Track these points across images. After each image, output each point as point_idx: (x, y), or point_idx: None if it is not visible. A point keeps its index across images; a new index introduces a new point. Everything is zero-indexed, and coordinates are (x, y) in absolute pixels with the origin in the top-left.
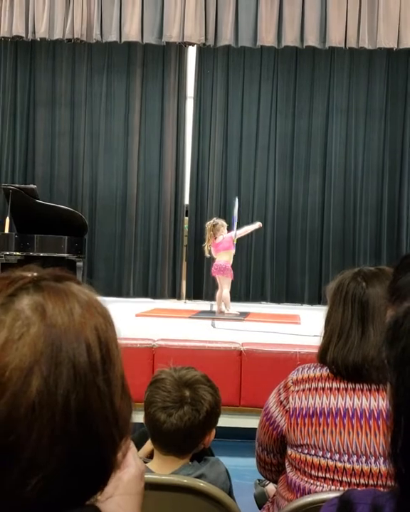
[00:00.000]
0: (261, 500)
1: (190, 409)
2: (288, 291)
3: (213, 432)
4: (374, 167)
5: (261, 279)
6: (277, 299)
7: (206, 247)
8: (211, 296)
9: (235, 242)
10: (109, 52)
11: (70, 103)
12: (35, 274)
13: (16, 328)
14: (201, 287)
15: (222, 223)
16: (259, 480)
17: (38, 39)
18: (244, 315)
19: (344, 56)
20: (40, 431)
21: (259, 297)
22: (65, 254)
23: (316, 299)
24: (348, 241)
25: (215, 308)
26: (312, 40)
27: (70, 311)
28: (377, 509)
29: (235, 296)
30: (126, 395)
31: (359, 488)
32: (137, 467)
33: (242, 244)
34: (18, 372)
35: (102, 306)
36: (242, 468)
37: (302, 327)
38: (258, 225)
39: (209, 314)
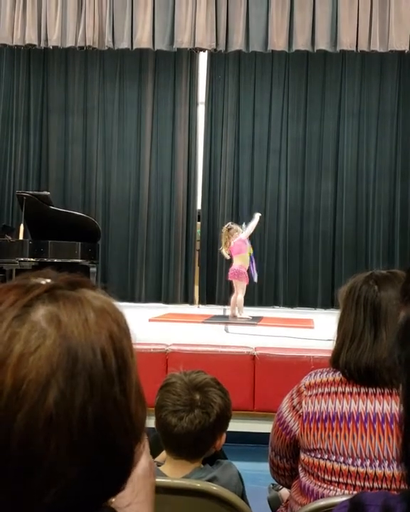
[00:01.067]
0: (275, 504)
1: (200, 413)
2: (301, 295)
3: (224, 435)
4: (385, 170)
5: (274, 283)
6: (290, 303)
7: (224, 251)
8: (223, 301)
9: (248, 243)
10: (121, 59)
11: (83, 110)
12: (49, 281)
13: (31, 341)
14: (214, 292)
15: (236, 228)
16: (273, 484)
17: (51, 47)
18: (257, 319)
19: (355, 59)
20: (58, 442)
21: (272, 301)
22: (79, 260)
23: (329, 303)
24: (360, 244)
25: (228, 312)
26: (323, 43)
27: (85, 321)
28: (388, 511)
29: (248, 300)
30: (141, 401)
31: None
32: (145, 459)
33: (255, 248)
34: (35, 385)
35: (117, 311)
36: (256, 472)
37: (315, 331)
38: (258, 216)
39: (222, 319)
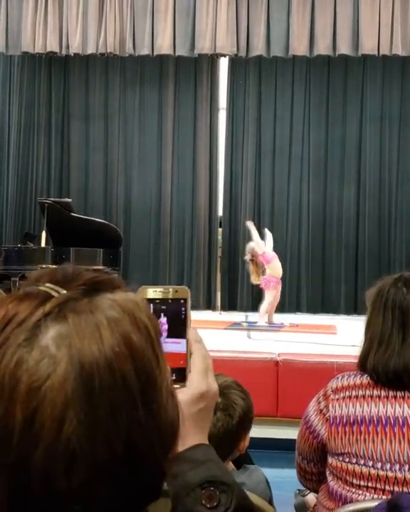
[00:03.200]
0: (301, 510)
1: (223, 415)
2: (324, 301)
3: (248, 437)
4: (408, 174)
5: (297, 290)
6: (313, 309)
7: (256, 280)
8: (245, 307)
9: (269, 254)
10: (142, 65)
11: (104, 116)
12: (63, 292)
13: (41, 369)
14: (236, 298)
15: (250, 247)
16: (299, 490)
17: (72, 54)
18: (280, 326)
19: (376, 64)
20: (81, 477)
21: (295, 308)
22: (101, 267)
23: (352, 309)
24: (383, 250)
25: (250, 318)
26: (344, 48)
27: (100, 339)
28: None
29: None
30: (172, 404)
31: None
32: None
33: (278, 255)
34: (50, 419)
35: (138, 312)
36: (281, 479)
37: (338, 337)
38: (268, 233)
39: (245, 325)
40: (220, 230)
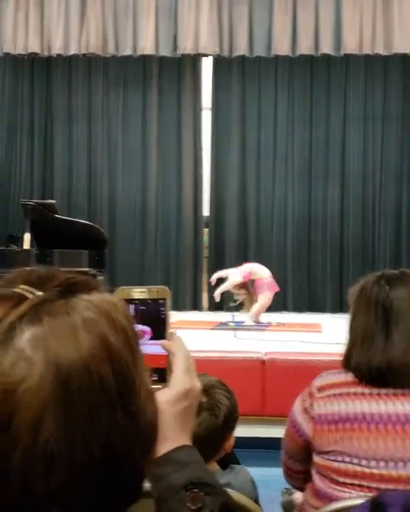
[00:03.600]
0: (288, 509)
1: (208, 415)
2: (310, 300)
3: (233, 436)
4: (392, 174)
5: (282, 289)
6: (299, 308)
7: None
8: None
9: (244, 272)
10: (125, 66)
11: (87, 117)
12: (38, 293)
13: (16, 372)
14: (222, 298)
15: (232, 284)
16: (286, 489)
17: (54, 55)
18: (266, 325)
19: (359, 63)
20: (60, 479)
21: (281, 307)
22: (86, 269)
23: (338, 308)
24: (368, 248)
25: (237, 318)
26: (326, 47)
27: (76, 341)
28: (408, 511)
29: None
30: (151, 405)
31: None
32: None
33: (263, 254)
34: (26, 423)
35: (115, 313)
36: (268, 478)
37: (324, 335)
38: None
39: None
40: (206, 230)
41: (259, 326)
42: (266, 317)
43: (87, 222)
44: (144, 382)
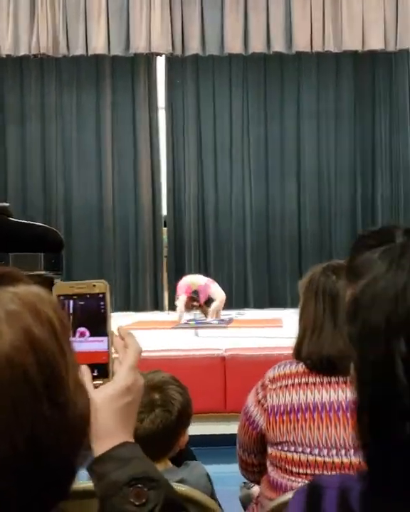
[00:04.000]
0: (247, 502)
1: (161, 412)
2: (271, 296)
3: (187, 433)
4: (346, 169)
5: (243, 286)
6: (260, 304)
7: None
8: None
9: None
10: (78, 66)
11: (41, 118)
12: None
13: None
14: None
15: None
16: (244, 483)
17: (4, 56)
18: (228, 322)
19: (311, 60)
20: None
21: (242, 304)
22: (42, 272)
23: (298, 302)
24: (325, 243)
25: (198, 317)
26: (278, 45)
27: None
28: (345, 492)
29: None
30: (82, 397)
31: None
32: (117, 383)
33: (222, 252)
34: None
35: (41, 304)
36: (231, 474)
37: (284, 330)
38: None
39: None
40: (165, 229)
41: (220, 323)
42: (227, 314)
43: (42, 225)
44: (74, 373)
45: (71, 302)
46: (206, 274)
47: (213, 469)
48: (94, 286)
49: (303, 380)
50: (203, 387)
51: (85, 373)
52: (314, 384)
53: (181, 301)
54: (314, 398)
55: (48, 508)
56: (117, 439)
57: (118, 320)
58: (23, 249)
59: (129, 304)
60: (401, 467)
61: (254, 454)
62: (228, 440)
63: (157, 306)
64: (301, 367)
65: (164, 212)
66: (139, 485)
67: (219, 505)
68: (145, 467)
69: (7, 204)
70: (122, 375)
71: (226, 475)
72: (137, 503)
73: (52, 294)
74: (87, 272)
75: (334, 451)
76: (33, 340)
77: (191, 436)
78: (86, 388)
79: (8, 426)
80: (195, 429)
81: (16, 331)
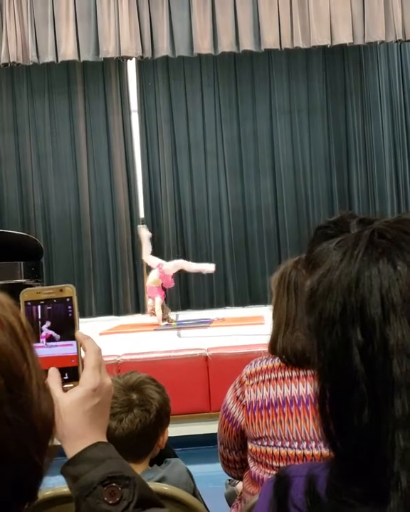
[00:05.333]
0: (231, 499)
1: (140, 411)
2: (251, 293)
3: (167, 432)
4: (321, 163)
5: (224, 284)
6: (241, 302)
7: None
8: (174, 307)
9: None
10: (48, 73)
11: (14, 127)
12: None
13: None
14: (165, 299)
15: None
16: (229, 480)
17: None
18: (209, 321)
19: (281, 57)
20: None
21: (223, 302)
22: (22, 280)
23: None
24: (303, 238)
25: (180, 318)
26: (247, 44)
27: None
28: (312, 479)
29: (200, 302)
30: (46, 398)
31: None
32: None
33: (201, 250)
34: None
35: (2, 309)
36: (217, 473)
37: (266, 327)
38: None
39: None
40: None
41: (202, 322)
42: (209, 314)
43: (20, 233)
44: (37, 376)
45: (39, 307)
46: (186, 273)
47: (200, 469)
48: (61, 290)
49: (280, 374)
50: (187, 388)
51: (54, 376)
52: (291, 378)
53: (158, 303)
54: (290, 392)
55: (18, 511)
56: (89, 440)
57: (100, 325)
58: (1, 258)
59: (110, 308)
60: (363, 452)
61: (235, 451)
62: (214, 440)
63: (139, 308)
64: (277, 362)
65: (142, 214)
66: (113, 484)
67: (203, 502)
68: (118, 466)
69: None
70: (86, 377)
71: (213, 474)
72: (110, 502)
73: (12, 300)
74: (67, 279)
75: (313, 444)
76: None
77: (177, 436)
78: (50, 390)
79: None
80: (181, 429)
81: None
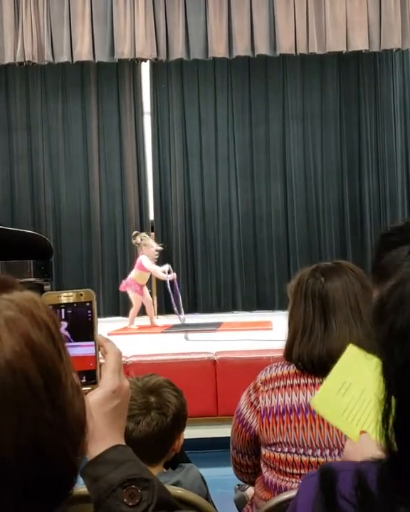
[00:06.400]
0: (241, 504)
1: (157, 414)
2: (259, 298)
3: (182, 436)
4: (332, 170)
5: (231, 289)
6: (248, 307)
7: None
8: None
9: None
10: (63, 73)
11: (27, 126)
12: None
13: None
14: (171, 301)
15: (148, 242)
16: (239, 485)
17: None
18: (217, 325)
19: (295, 62)
20: None
21: (231, 307)
22: (32, 279)
23: (286, 304)
24: (314, 244)
25: (187, 321)
26: (262, 48)
27: None
28: (361, 474)
29: (207, 306)
30: (79, 399)
31: None
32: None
33: (210, 255)
34: None
35: (38, 310)
36: (224, 477)
37: (274, 332)
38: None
39: (182, 328)
40: (152, 233)
41: (210, 326)
42: (216, 318)
43: (30, 232)
44: (71, 376)
45: (59, 311)
46: (194, 276)
47: (206, 473)
48: (81, 295)
49: (295, 381)
50: (194, 391)
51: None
52: (306, 385)
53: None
54: (306, 399)
55: (51, 509)
56: (109, 443)
57: (108, 325)
58: (11, 257)
59: (118, 309)
60: None
61: (248, 456)
62: (220, 443)
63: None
64: (292, 368)
65: (152, 217)
66: (133, 486)
67: (214, 508)
68: (137, 469)
69: None
70: (106, 379)
71: (219, 478)
72: (130, 504)
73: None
74: (76, 279)
75: (327, 452)
76: (33, 345)
77: (184, 440)
78: (82, 390)
79: (12, 430)
80: (187, 433)
81: (16, 337)
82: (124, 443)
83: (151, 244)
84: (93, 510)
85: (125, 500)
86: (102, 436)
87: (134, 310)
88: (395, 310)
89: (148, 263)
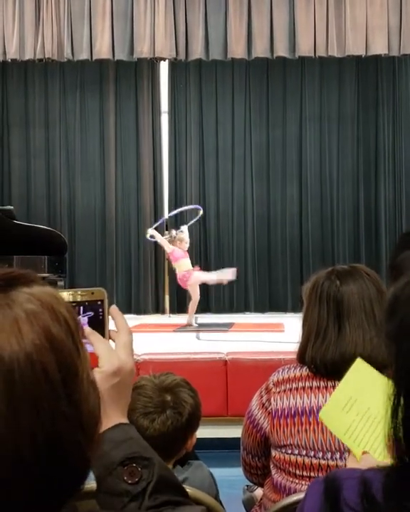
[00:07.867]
0: (250, 505)
1: (172, 413)
2: (271, 300)
3: (195, 436)
4: (348, 173)
5: (244, 290)
6: (261, 308)
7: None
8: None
9: (177, 253)
10: (82, 70)
11: (45, 122)
12: None
13: None
14: (184, 300)
15: (180, 236)
16: (247, 486)
17: (9, 60)
18: (229, 326)
19: (314, 65)
20: (5, 467)
21: (243, 308)
22: (46, 274)
23: (299, 307)
24: (327, 248)
25: (200, 320)
26: (281, 50)
27: (19, 333)
28: (366, 482)
29: (219, 307)
30: (94, 394)
31: None
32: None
33: (224, 256)
34: None
35: (57, 305)
36: (233, 477)
37: (285, 335)
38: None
39: (194, 327)
40: (166, 232)
41: (222, 327)
42: (228, 318)
43: (46, 227)
44: (87, 370)
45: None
46: None
47: (215, 473)
48: (92, 293)
49: (307, 383)
50: (205, 391)
51: None
52: (319, 388)
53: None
54: (317, 402)
55: (63, 503)
56: (111, 421)
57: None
58: (26, 252)
59: (131, 307)
60: None
61: (258, 457)
62: (230, 444)
63: (158, 309)
64: (305, 371)
65: (166, 215)
66: (134, 464)
67: (223, 507)
68: (138, 447)
69: (11, 207)
70: (107, 359)
71: (228, 478)
72: (130, 482)
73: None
74: (90, 276)
75: (337, 455)
76: (52, 339)
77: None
78: (97, 386)
79: (29, 422)
80: (197, 432)
81: (36, 330)
82: (126, 421)
83: (183, 239)
84: (96, 487)
85: (125, 478)
86: (104, 415)
87: (192, 304)
88: (406, 304)
89: (166, 244)
